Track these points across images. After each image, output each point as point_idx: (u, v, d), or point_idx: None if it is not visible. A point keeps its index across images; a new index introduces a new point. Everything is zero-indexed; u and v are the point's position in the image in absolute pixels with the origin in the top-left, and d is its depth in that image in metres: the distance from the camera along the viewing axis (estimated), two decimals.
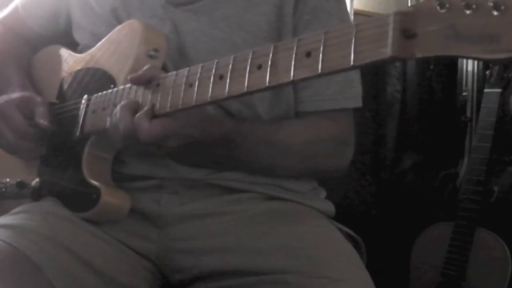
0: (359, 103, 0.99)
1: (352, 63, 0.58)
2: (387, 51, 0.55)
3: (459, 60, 2.06)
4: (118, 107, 0.82)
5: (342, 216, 1.05)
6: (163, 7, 0.97)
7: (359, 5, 2.61)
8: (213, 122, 0.85)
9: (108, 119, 0.84)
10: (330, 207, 1.04)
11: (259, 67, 0.67)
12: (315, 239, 0.90)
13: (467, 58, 0.55)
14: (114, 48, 0.97)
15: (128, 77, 0.84)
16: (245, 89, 0.68)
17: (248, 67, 0.68)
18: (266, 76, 0.66)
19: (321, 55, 0.61)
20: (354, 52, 0.58)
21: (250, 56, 0.69)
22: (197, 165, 0.94)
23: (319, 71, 0.61)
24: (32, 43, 1.16)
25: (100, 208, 0.90)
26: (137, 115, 0.78)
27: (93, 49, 1.01)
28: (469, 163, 1.82)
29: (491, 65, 1.80)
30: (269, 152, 0.92)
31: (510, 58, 0.49)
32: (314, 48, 0.62)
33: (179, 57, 0.94)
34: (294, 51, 0.64)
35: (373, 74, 2.16)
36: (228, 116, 0.93)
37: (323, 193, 1.07)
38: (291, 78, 0.64)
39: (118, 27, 0.97)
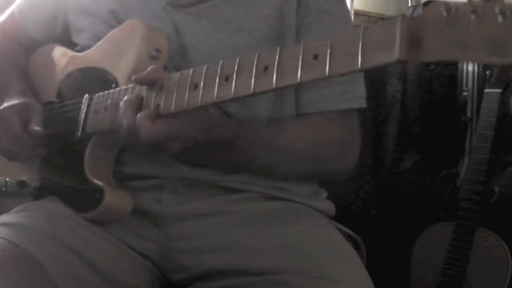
0: (363, 104, 0.99)
1: (359, 66, 0.58)
2: (394, 55, 0.55)
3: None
4: (122, 102, 0.82)
5: (342, 216, 1.05)
6: (164, 9, 0.96)
7: (359, 5, 2.62)
8: (215, 125, 0.84)
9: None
10: (330, 207, 1.04)
11: (266, 68, 0.67)
12: (315, 239, 0.90)
13: (473, 62, 0.55)
14: (115, 48, 0.96)
15: (132, 78, 0.83)
16: (252, 91, 0.68)
17: (254, 68, 0.68)
18: (272, 77, 0.66)
19: (328, 57, 0.61)
20: (361, 55, 0.58)
21: (256, 59, 0.68)
22: (199, 165, 0.94)
23: (327, 73, 0.61)
24: (27, 49, 1.16)
25: (103, 208, 0.90)
26: (140, 114, 0.78)
27: (93, 48, 1.01)
28: (470, 163, 1.82)
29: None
30: (270, 155, 0.92)
31: None
32: (322, 51, 0.62)
33: (180, 58, 0.94)
34: (301, 53, 0.64)
35: (373, 74, 2.16)
36: (227, 116, 0.93)
37: (324, 194, 1.07)
38: (298, 80, 0.63)
39: (119, 26, 0.97)
